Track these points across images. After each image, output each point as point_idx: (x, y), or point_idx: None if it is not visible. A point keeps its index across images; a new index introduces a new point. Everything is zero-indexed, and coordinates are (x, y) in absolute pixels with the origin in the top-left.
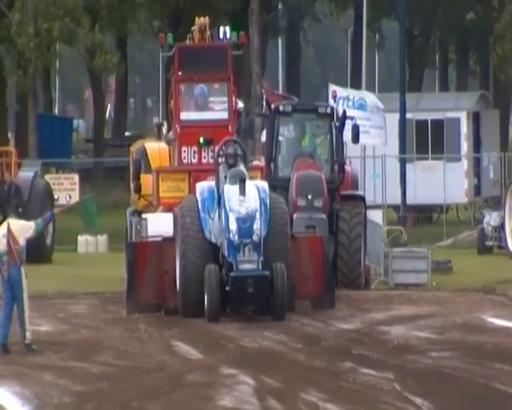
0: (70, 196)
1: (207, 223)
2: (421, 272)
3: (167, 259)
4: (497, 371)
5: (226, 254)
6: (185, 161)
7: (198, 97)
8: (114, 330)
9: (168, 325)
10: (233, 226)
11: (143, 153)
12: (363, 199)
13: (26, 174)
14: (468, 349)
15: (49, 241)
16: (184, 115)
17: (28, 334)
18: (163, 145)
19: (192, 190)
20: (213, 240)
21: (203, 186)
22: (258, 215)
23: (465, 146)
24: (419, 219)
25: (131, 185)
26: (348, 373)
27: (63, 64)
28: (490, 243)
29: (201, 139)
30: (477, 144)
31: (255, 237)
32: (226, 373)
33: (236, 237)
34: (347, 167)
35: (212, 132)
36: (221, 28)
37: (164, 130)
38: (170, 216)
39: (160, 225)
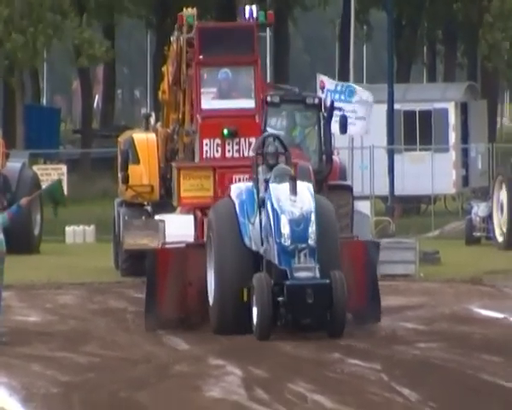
0: None
1: (247, 228)
2: (409, 262)
3: (192, 268)
4: (485, 362)
5: (276, 261)
6: (207, 155)
7: (222, 83)
8: (102, 320)
9: None
10: (285, 230)
11: (131, 143)
12: (350, 189)
13: (13, 165)
14: (455, 340)
15: (36, 231)
16: (206, 104)
17: None
18: (151, 136)
19: (217, 189)
20: (254, 247)
21: (240, 188)
22: (313, 217)
23: (453, 137)
24: (407, 210)
25: (119, 176)
26: (336, 364)
27: (51, 54)
28: (478, 234)
29: (225, 130)
30: (465, 135)
31: (311, 242)
32: (214, 364)
33: (289, 242)
34: (335, 158)
35: (238, 123)
36: (247, 7)
37: (152, 120)
38: (190, 218)
39: (179, 227)
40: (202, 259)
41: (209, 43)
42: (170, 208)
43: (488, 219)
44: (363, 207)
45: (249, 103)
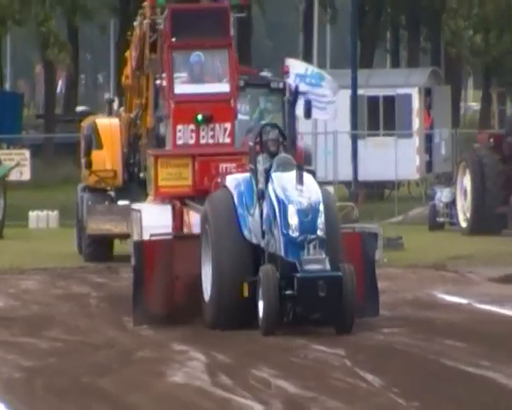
0: (21, 173)
1: (247, 220)
2: None
3: (178, 261)
4: (448, 347)
5: (283, 253)
6: (180, 142)
7: (194, 67)
8: (65, 305)
9: (119, 301)
10: (293, 220)
11: (94, 129)
12: (313, 174)
13: None
14: (418, 325)
15: None
16: (179, 88)
17: None
18: (114, 121)
19: (196, 178)
20: (254, 240)
21: (237, 178)
22: (321, 207)
23: (416, 122)
24: (370, 196)
25: (82, 161)
26: (300, 349)
27: (14, 38)
28: (441, 220)
29: (199, 116)
30: (429, 120)
31: (320, 233)
32: (177, 350)
33: (298, 233)
34: (299, 143)
35: (212, 108)
36: None
37: (115, 105)
38: (168, 208)
39: (156, 218)
40: (190, 251)
41: (181, 26)
42: (133, 194)
43: (451, 204)
44: None
45: (223, 87)
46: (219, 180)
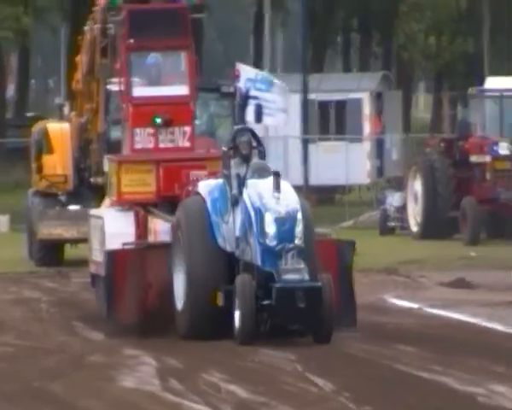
0: None
1: (221, 228)
2: None
3: (151, 269)
4: (399, 352)
5: (259, 262)
6: (139, 146)
7: (151, 69)
8: (16, 310)
9: (70, 306)
10: (270, 229)
11: (45, 133)
12: None
13: None
14: (370, 330)
15: None
16: (137, 91)
17: None
18: (65, 126)
19: (160, 184)
20: (228, 248)
21: (210, 184)
22: (299, 215)
23: (367, 127)
24: (321, 200)
25: (33, 166)
26: (251, 354)
27: None
28: (392, 224)
29: (157, 119)
30: (379, 125)
31: (298, 242)
32: (128, 354)
33: (275, 242)
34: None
35: (171, 111)
36: None
37: (65, 110)
38: (130, 215)
39: (118, 225)
40: (162, 260)
41: (139, 27)
42: (84, 198)
43: (402, 209)
44: None
45: (182, 90)
46: (190, 188)
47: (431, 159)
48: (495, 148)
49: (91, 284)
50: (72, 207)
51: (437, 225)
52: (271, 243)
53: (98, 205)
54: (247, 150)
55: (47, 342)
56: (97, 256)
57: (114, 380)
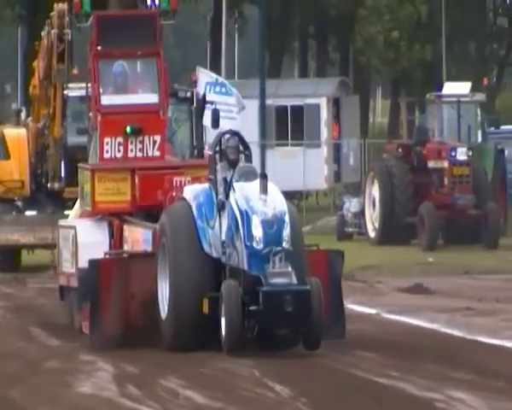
0: None
1: (207, 234)
2: None
3: (134, 280)
4: (358, 358)
5: (246, 266)
6: (108, 156)
7: (117, 77)
8: None
9: (27, 312)
10: (257, 232)
11: (1, 139)
12: None
13: None
14: (328, 336)
15: None
16: (106, 100)
17: None
18: (22, 131)
19: (136, 193)
20: (214, 254)
21: (196, 189)
22: (287, 218)
23: (325, 132)
24: None
25: None
26: (208, 360)
27: None
28: (349, 230)
29: (128, 128)
30: (337, 130)
31: (286, 245)
32: (85, 360)
33: (262, 245)
34: (207, 152)
35: (141, 119)
36: None
37: (22, 116)
38: (104, 224)
39: (92, 234)
40: (146, 269)
41: (107, 33)
42: (41, 204)
43: (360, 214)
44: None
45: (152, 98)
46: (174, 194)
47: (388, 164)
48: (453, 153)
49: (60, 297)
50: (29, 213)
51: (395, 231)
52: (258, 245)
53: (56, 210)
54: (234, 155)
55: (3, 347)
56: (68, 268)
57: (71, 386)
